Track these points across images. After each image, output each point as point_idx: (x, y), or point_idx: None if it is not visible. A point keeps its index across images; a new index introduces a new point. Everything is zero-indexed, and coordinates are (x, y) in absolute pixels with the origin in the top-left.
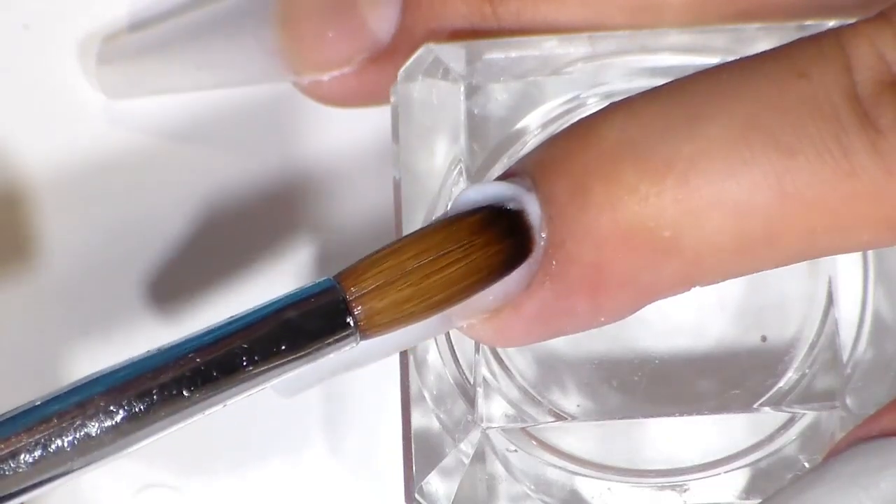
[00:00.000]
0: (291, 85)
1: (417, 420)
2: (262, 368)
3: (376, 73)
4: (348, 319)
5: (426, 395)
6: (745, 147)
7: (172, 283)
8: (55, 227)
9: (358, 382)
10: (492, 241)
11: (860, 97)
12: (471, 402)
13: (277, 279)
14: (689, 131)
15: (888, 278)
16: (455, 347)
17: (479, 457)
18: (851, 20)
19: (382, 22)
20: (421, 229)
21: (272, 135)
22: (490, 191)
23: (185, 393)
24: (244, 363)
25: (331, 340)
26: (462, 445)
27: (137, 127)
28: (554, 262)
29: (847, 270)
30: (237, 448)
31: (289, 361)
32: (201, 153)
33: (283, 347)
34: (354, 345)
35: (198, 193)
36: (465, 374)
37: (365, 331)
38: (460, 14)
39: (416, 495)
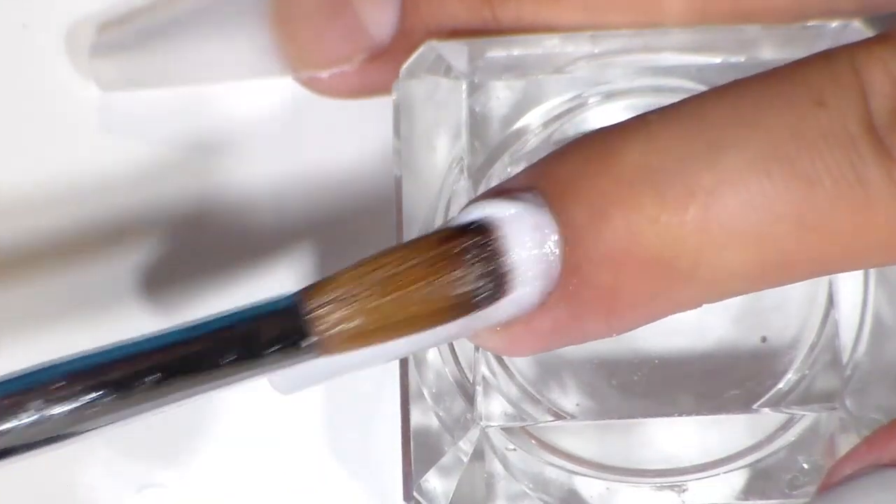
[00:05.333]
0: (291, 79)
1: (417, 418)
2: (216, 376)
3: (376, 71)
4: (305, 340)
5: (425, 392)
6: (766, 178)
7: (170, 284)
8: (51, 226)
9: (357, 380)
10: (458, 265)
11: (876, 126)
12: (470, 400)
13: (278, 278)
14: (709, 160)
15: (889, 281)
16: (455, 346)
17: (477, 455)
18: (851, 21)
19: (381, 24)
20: (388, 248)
21: (272, 133)
22: (496, 209)
23: (133, 391)
24: (198, 368)
25: (286, 357)
26: (461, 444)
27: (135, 124)
28: (570, 286)
29: (848, 273)
30: (236, 446)
31: (242, 371)
32: (200, 151)
33: (237, 357)
34: (314, 360)
35: (197, 192)
36: (464, 372)
37: (325, 351)
38: (460, 18)
39: (415, 493)
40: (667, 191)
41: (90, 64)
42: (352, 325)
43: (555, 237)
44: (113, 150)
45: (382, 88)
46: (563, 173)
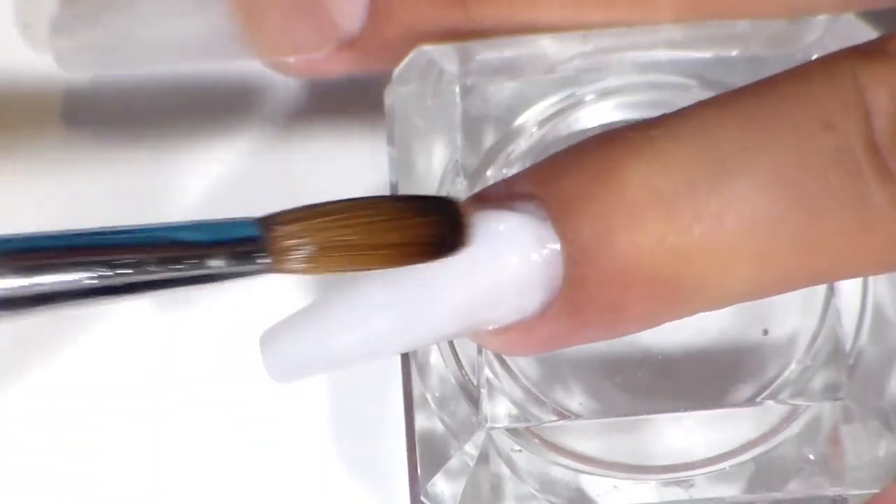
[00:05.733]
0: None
1: (421, 422)
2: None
3: (344, 58)
4: (258, 231)
5: (429, 397)
6: (773, 203)
7: None
8: (9, 207)
9: (361, 385)
10: (419, 213)
11: (879, 147)
12: (474, 403)
13: (271, 288)
14: (717, 184)
15: None
16: (458, 349)
17: (483, 458)
18: (839, 14)
19: (349, 17)
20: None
21: (262, 137)
22: (497, 220)
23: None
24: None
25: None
26: (467, 447)
27: (112, 119)
28: (573, 300)
29: None
30: (241, 452)
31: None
32: (193, 153)
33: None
34: (264, 267)
35: (191, 195)
36: (467, 375)
37: (279, 264)
38: (433, 18)
39: (423, 498)
40: (673, 213)
41: (51, 42)
42: (308, 241)
43: (556, 248)
44: (86, 144)
45: (351, 72)
46: (567, 188)
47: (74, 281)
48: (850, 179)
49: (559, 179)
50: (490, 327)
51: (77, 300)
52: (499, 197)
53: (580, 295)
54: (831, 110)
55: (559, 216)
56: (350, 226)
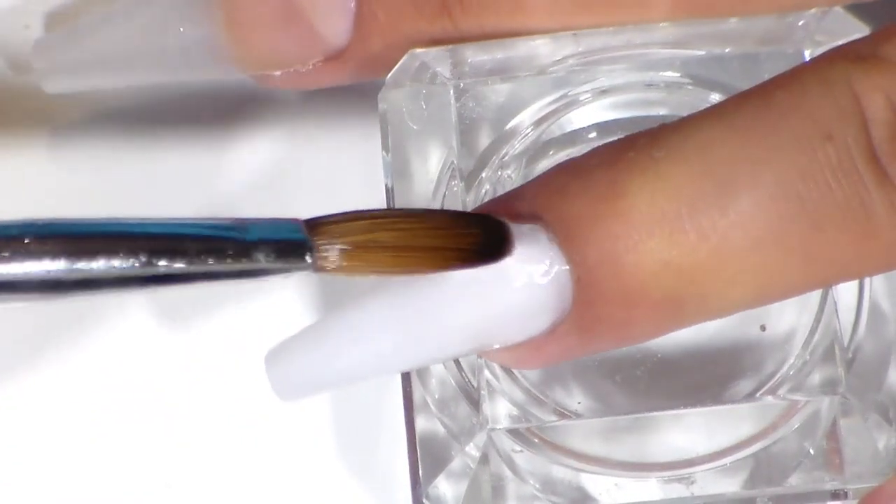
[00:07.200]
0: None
1: (422, 425)
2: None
3: (330, 71)
4: (303, 233)
5: (429, 400)
6: (777, 217)
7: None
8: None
9: (362, 389)
10: (466, 226)
11: (878, 155)
12: (474, 404)
13: (272, 289)
14: (721, 203)
15: None
16: None
17: (484, 459)
18: (828, 7)
19: (335, 32)
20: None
21: (261, 141)
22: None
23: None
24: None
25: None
26: (468, 448)
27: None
28: (581, 319)
29: None
30: (243, 456)
31: (237, 266)
32: (189, 158)
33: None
34: (308, 265)
35: (183, 203)
36: (467, 377)
37: (321, 261)
38: (419, 28)
39: (424, 500)
40: (679, 235)
41: (34, 61)
42: (351, 239)
43: (564, 270)
44: (86, 148)
45: (338, 83)
46: (573, 211)
47: (118, 267)
48: (852, 188)
49: (564, 201)
50: (497, 346)
51: (119, 287)
52: (500, 216)
53: (589, 315)
54: (830, 121)
55: (566, 239)
56: (394, 230)
